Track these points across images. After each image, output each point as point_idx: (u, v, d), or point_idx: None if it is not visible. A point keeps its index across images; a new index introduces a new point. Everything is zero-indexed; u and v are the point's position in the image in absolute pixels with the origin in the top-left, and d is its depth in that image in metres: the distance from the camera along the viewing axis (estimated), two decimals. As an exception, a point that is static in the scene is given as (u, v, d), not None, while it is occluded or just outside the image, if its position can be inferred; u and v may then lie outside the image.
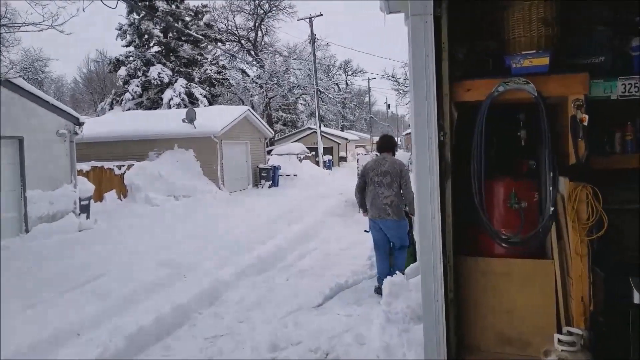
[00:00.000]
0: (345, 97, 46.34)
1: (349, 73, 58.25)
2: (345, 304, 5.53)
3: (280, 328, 4.79)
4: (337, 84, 51.65)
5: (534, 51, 3.29)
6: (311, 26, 29.06)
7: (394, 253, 5.95)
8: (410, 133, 29.70)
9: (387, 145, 6.18)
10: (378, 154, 6.28)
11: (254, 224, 11.23)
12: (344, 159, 39.22)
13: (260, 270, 7.27)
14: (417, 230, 3.37)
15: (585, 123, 3.22)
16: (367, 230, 6.22)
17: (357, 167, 11.07)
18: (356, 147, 47.95)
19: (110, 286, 6.36)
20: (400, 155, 12.98)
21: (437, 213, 3.32)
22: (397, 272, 5.06)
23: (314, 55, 29.82)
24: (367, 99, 62.70)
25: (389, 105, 68.89)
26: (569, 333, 3.18)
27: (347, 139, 40.97)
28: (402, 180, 5.78)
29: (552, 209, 3.26)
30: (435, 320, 3.37)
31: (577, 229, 3.22)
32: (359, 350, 4.16)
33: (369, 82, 52.78)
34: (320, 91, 32.10)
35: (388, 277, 4.83)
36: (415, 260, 6.50)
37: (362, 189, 6.07)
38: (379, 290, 5.78)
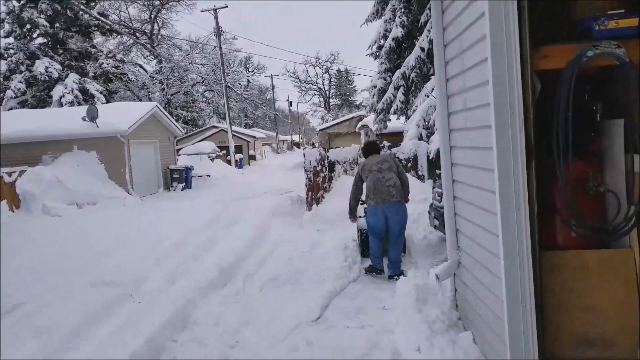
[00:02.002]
0: (252, 93, 45.12)
1: (251, 70, 57.11)
2: (348, 314, 4.85)
3: (293, 351, 4.01)
4: (238, 82, 50.29)
5: (622, 10, 2.87)
6: (216, 18, 27.66)
7: (390, 242, 6.15)
8: (324, 128, 29.23)
9: (373, 149, 6.59)
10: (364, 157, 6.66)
11: (186, 230, 10.04)
12: (253, 157, 38.12)
13: (222, 282, 6.35)
14: (499, 223, 2.81)
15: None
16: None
17: (304, 162, 10.32)
18: (263, 145, 47.03)
19: (43, 317, 5.09)
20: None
21: (523, 204, 2.78)
22: (397, 267, 5.79)
23: (220, 48, 28.43)
24: (268, 97, 62.00)
25: (290, 102, 68.82)
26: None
27: (254, 137, 39.87)
28: (398, 169, 6.27)
29: (647, 191, 2.86)
30: (523, 330, 2.83)
31: (668, 213, 2.86)
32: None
33: (272, 78, 52.03)
34: (229, 87, 30.79)
35: (412, 280, 4.24)
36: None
37: (358, 195, 6.43)
38: (371, 270, 6.23)
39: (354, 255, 6.87)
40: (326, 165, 10.23)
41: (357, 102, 77.21)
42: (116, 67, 26.82)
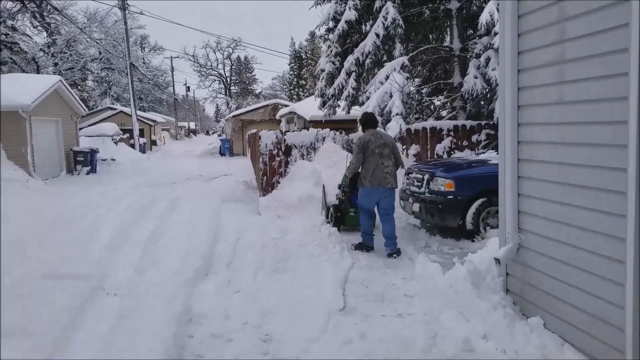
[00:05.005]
0: (155, 74, 42.35)
1: (147, 50, 53.69)
2: (373, 302, 4.52)
3: (346, 344, 3.59)
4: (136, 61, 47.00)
5: None
6: (122, -11, 25.38)
7: (381, 218, 6.31)
8: (237, 115, 28.22)
9: (372, 122, 6.49)
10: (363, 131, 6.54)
11: (121, 217, 9.02)
12: (154, 142, 35.84)
13: (203, 271, 5.69)
14: (632, 202, 2.67)
15: None
16: None
17: (260, 145, 9.70)
18: (162, 130, 44.51)
19: (7, 319, 4.14)
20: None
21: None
22: (394, 244, 6.13)
23: (125, 23, 26.21)
24: (165, 79, 58.81)
25: (188, 87, 66.11)
26: None
27: (156, 121, 37.48)
28: (395, 151, 6.36)
29: None
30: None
31: None
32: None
33: (172, 60, 49.31)
34: (134, 66, 28.51)
35: (465, 266, 4.04)
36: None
37: (361, 164, 6.22)
38: (360, 247, 6.39)
39: (339, 241, 6.56)
40: (282, 149, 9.72)
41: (257, 91, 76.36)
42: (6, 35, 23.43)
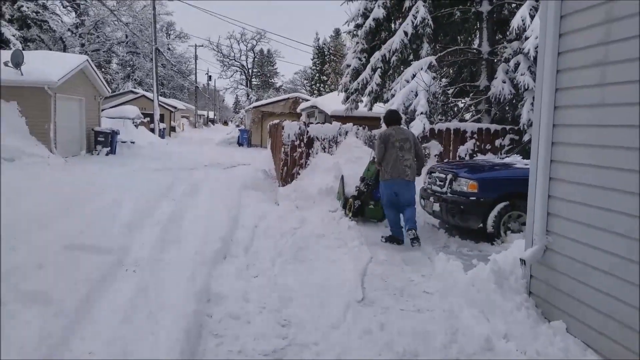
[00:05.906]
0: (180, 61, 42.66)
1: (173, 37, 54.06)
2: (392, 296, 4.51)
3: (365, 334, 3.59)
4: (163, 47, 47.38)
5: None
6: (152, -25, 25.58)
7: (404, 210, 6.42)
8: (258, 106, 28.27)
9: (396, 119, 6.65)
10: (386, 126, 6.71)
11: (141, 198, 9.08)
12: (173, 129, 36.12)
13: (221, 254, 5.72)
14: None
15: None
16: None
17: (283, 135, 9.69)
18: (182, 117, 44.84)
19: (32, 284, 4.21)
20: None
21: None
22: (414, 222, 6.31)
23: (154, 8, 26.41)
24: (188, 67, 59.15)
25: (210, 77, 66.42)
26: None
27: (176, 108, 37.78)
28: (417, 147, 6.55)
29: None
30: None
31: None
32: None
33: (196, 49, 49.60)
34: (159, 51, 28.72)
35: (488, 266, 4.01)
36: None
37: (384, 155, 6.37)
38: (391, 240, 6.47)
39: (359, 235, 6.55)
40: (305, 141, 9.73)
41: (277, 85, 76.52)
42: (36, 13, 23.73)
